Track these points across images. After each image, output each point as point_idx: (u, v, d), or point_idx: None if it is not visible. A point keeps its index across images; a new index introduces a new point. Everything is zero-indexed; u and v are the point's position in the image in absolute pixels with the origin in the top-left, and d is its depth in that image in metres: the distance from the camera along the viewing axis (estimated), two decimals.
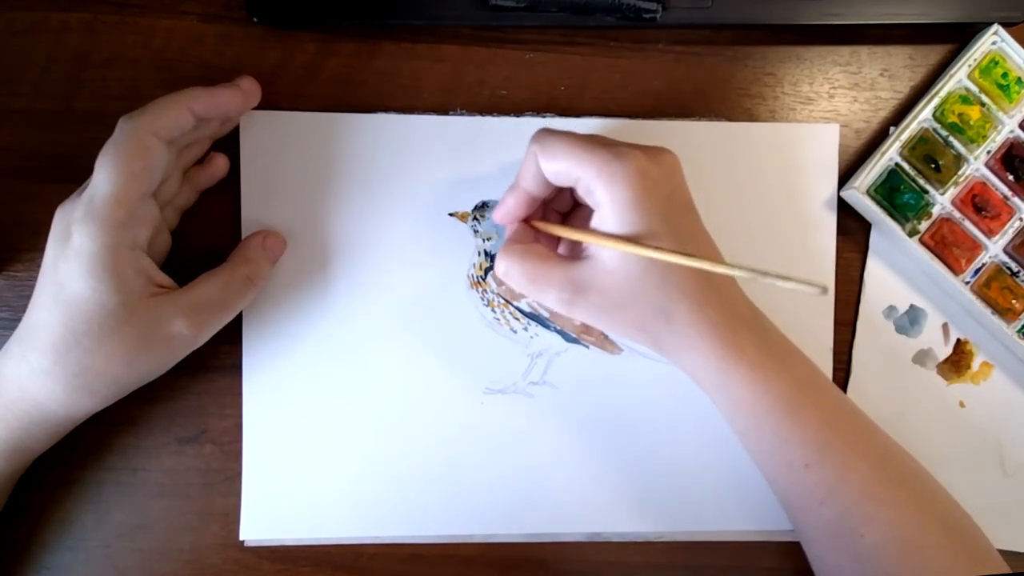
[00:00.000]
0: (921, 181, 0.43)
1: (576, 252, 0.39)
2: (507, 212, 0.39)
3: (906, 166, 0.43)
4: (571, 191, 0.40)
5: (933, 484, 0.38)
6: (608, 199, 0.35)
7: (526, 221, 0.39)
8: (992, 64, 0.43)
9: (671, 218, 0.36)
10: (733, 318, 0.37)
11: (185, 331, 0.37)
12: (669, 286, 0.36)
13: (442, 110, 0.44)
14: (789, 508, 0.40)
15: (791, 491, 0.38)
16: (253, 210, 0.42)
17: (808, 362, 0.39)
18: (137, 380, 0.38)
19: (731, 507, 0.43)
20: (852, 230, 0.45)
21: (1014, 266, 0.43)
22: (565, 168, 0.36)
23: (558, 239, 0.41)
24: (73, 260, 0.35)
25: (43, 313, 0.35)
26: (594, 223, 0.36)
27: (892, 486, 0.37)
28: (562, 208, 0.41)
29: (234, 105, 0.40)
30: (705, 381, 0.38)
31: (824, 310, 0.44)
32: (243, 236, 0.42)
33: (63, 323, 0.35)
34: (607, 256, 0.36)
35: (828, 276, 0.44)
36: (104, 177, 0.35)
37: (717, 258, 0.38)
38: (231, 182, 0.42)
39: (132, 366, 0.37)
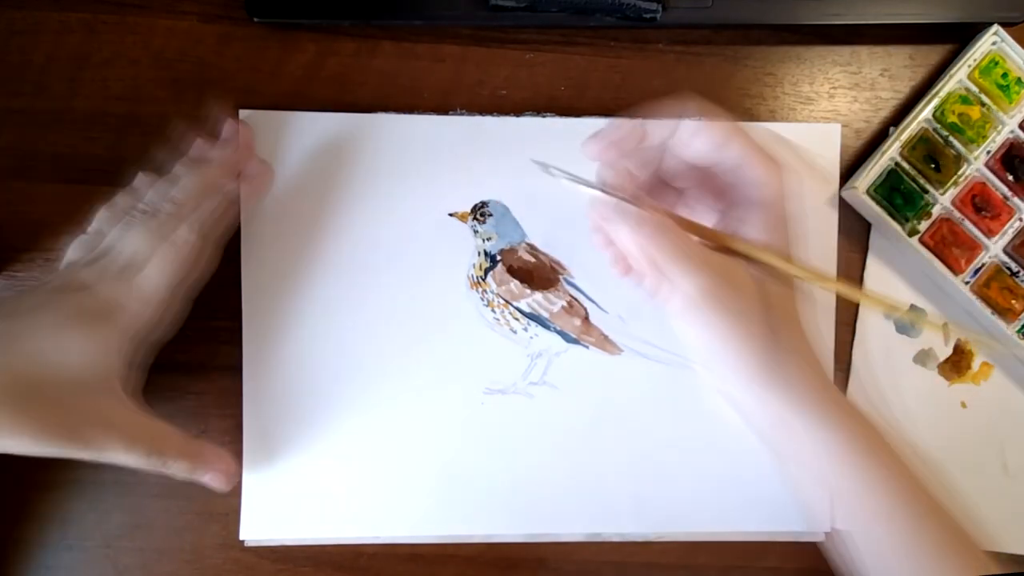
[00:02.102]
0: (921, 181, 0.43)
1: None
2: (612, 144, 0.34)
3: (906, 166, 0.43)
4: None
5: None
6: (774, 199, 0.33)
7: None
8: (992, 64, 0.43)
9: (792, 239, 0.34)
10: (821, 365, 0.35)
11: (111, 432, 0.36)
12: (774, 306, 0.34)
13: (442, 110, 0.44)
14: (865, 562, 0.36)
15: (869, 546, 0.35)
16: (253, 210, 0.42)
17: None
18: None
19: (731, 507, 0.43)
20: (852, 230, 0.45)
21: (1014, 266, 0.43)
22: (723, 142, 0.33)
23: None
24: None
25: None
26: (741, 227, 0.34)
27: (964, 547, 0.35)
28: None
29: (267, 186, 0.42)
30: (789, 425, 0.35)
31: (825, 310, 0.44)
32: (243, 237, 0.42)
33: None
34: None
35: (828, 276, 0.44)
36: (161, 283, 0.37)
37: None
38: None
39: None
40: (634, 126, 0.34)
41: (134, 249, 0.37)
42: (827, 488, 0.36)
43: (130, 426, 0.37)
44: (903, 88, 0.45)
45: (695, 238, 0.34)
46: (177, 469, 0.38)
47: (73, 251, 0.39)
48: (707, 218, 0.37)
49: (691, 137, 0.34)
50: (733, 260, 0.34)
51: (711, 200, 0.37)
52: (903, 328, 0.45)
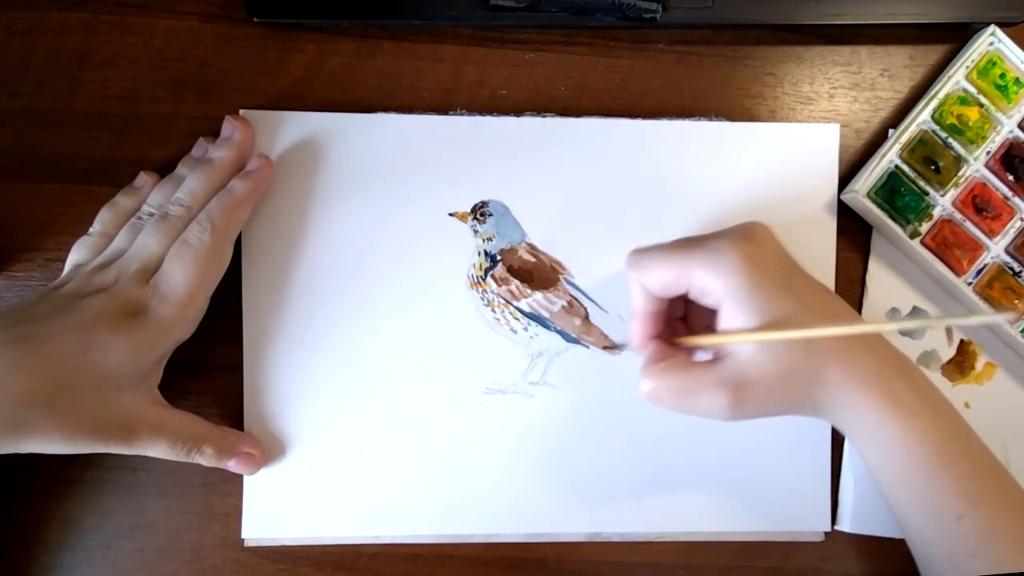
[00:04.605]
0: (921, 183, 0.43)
1: (712, 354, 0.38)
2: (640, 337, 0.39)
3: (906, 168, 0.43)
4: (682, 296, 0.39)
5: None
6: (728, 294, 0.35)
7: (659, 338, 0.39)
8: (990, 65, 0.43)
9: (796, 289, 0.36)
10: (882, 365, 0.36)
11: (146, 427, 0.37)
12: (817, 350, 0.35)
13: (442, 110, 0.44)
14: (933, 562, 0.38)
15: (940, 544, 0.37)
16: (253, 209, 0.42)
17: (954, 408, 0.38)
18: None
19: (731, 507, 0.43)
20: (853, 231, 0.45)
21: (1016, 266, 0.43)
22: (671, 279, 0.36)
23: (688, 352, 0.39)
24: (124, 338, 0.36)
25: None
26: (724, 322, 0.35)
27: None
28: (677, 314, 0.41)
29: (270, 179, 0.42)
30: (859, 434, 0.37)
31: None
32: (243, 237, 0.42)
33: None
34: (748, 346, 0.35)
35: (829, 276, 0.44)
36: (181, 281, 0.37)
37: (857, 315, 0.38)
38: None
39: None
40: (651, 318, 0.38)
41: (149, 252, 0.38)
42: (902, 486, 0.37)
43: (159, 419, 0.38)
44: (903, 88, 0.45)
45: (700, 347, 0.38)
46: (204, 457, 0.39)
47: (77, 252, 0.39)
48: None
49: (661, 290, 0.37)
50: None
51: (680, 305, 0.41)
52: (906, 329, 0.45)
